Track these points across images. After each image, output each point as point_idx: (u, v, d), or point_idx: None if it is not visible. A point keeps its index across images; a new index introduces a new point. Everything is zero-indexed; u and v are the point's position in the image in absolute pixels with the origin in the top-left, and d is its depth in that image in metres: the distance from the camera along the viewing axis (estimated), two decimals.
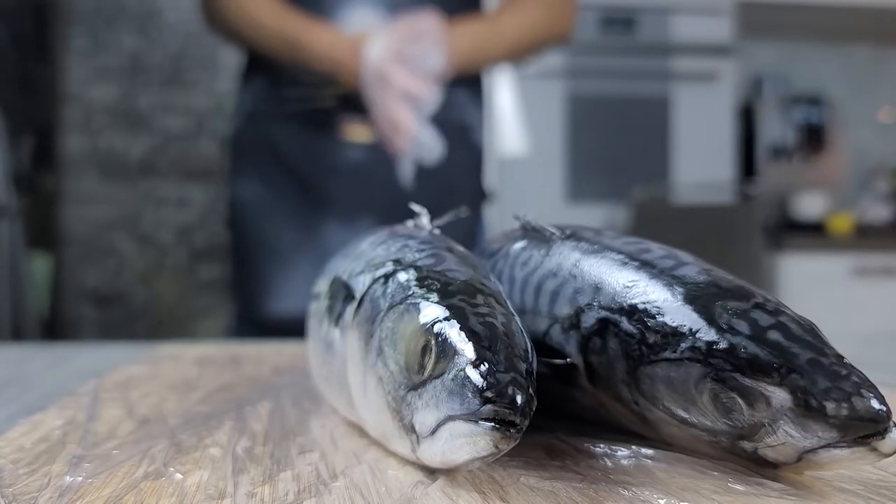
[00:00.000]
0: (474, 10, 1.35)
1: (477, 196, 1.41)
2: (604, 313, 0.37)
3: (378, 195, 1.28)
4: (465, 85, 1.33)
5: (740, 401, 0.31)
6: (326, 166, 1.29)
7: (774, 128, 3.27)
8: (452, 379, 0.31)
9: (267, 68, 1.34)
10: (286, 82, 1.32)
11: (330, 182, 1.29)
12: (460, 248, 0.42)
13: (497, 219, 2.51)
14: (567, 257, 0.41)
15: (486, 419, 0.30)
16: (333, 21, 1.27)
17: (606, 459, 0.36)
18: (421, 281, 0.36)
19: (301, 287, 1.21)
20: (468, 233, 1.34)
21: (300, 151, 1.30)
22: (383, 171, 1.25)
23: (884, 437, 0.29)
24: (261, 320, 1.29)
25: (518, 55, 1.37)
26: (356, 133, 1.28)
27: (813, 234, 3.04)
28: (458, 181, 1.35)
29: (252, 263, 1.35)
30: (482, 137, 1.42)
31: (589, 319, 0.38)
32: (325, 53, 1.21)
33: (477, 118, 1.40)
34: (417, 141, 1.18)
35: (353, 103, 1.23)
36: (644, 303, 0.35)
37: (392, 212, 1.17)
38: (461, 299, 0.34)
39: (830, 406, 0.29)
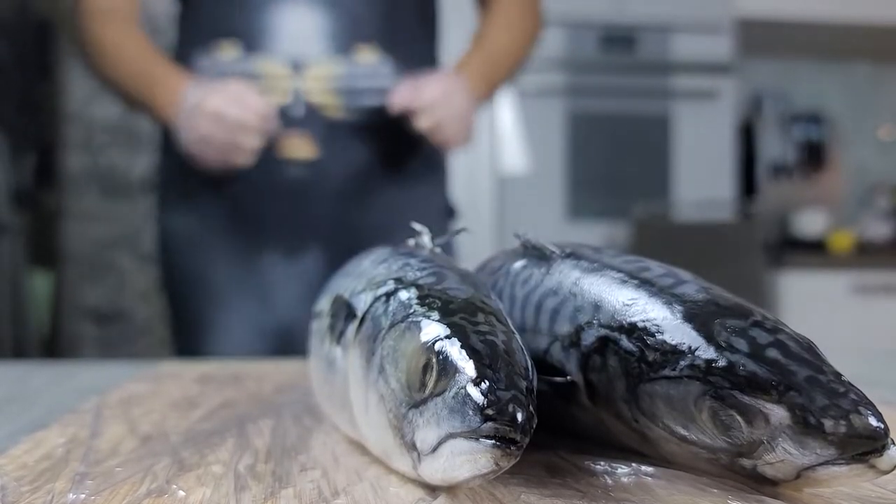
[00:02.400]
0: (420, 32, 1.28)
1: (441, 214, 1.30)
2: (604, 331, 0.37)
3: (324, 222, 1.17)
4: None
5: (739, 418, 0.32)
6: (263, 188, 1.16)
7: (775, 145, 3.27)
8: (453, 397, 0.31)
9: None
10: None
11: (267, 207, 1.17)
12: (461, 267, 0.42)
13: (497, 236, 2.52)
14: (567, 275, 0.41)
15: (487, 437, 0.30)
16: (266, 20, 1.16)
17: (607, 477, 0.36)
18: (422, 299, 0.37)
19: (241, 328, 1.17)
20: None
21: (232, 170, 1.13)
22: (329, 192, 1.16)
23: (882, 455, 0.30)
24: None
25: (518, 68, 1.32)
26: (296, 148, 1.14)
27: (813, 251, 3.05)
28: (418, 197, 1.25)
29: (185, 303, 1.24)
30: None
31: (589, 337, 0.38)
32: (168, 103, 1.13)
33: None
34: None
35: (289, 114, 1.14)
36: (643, 321, 0.36)
37: (341, 242, 1.14)
38: (462, 317, 0.35)
39: (828, 423, 0.30)
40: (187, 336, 1.23)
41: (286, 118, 1.12)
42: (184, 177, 1.20)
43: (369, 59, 1.17)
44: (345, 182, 1.17)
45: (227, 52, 1.18)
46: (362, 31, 1.17)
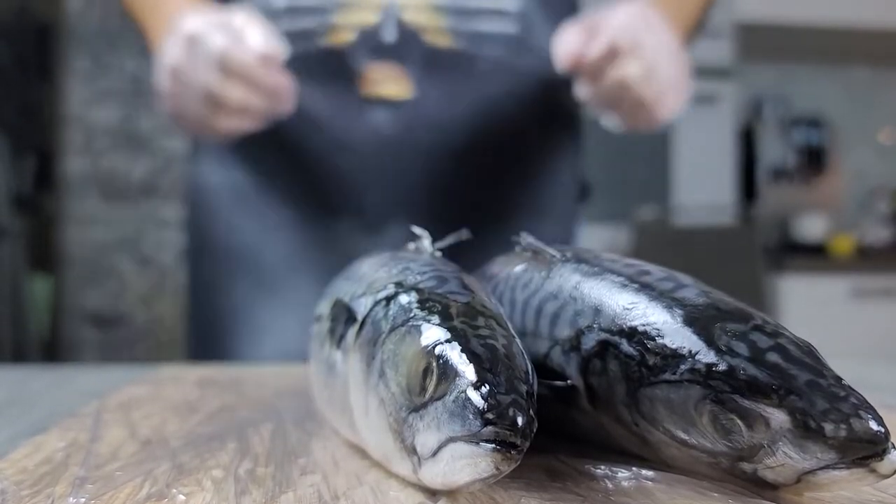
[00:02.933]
0: None
1: (570, 196, 1.01)
2: (604, 335, 0.37)
3: (418, 187, 0.89)
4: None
5: (739, 422, 0.32)
6: (336, 136, 0.88)
7: (775, 150, 3.28)
8: (454, 400, 0.31)
9: None
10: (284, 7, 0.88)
11: (343, 163, 0.88)
12: (461, 271, 0.42)
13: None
14: (567, 280, 0.41)
15: (488, 440, 0.30)
16: None
17: (607, 481, 0.36)
18: (422, 303, 0.37)
19: (298, 326, 0.81)
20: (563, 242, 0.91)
21: (298, 113, 0.84)
22: (426, 147, 0.87)
23: (882, 459, 0.30)
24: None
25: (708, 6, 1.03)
26: (383, 84, 0.87)
27: (813, 255, 3.05)
28: (545, 169, 0.97)
29: (219, 292, 0.94)
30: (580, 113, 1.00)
31: (589, 341, 0.38)
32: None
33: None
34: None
35: (377, 38, 0.85)
36: (644, 325, 0.36)
37: (440, 215, 0.86)
38: (462, 321, 0.35)
39: (829, 427, 0.30)
40: (218, 334, 0.94)
41: (372, 43, 0.86)
42: None
43: None
44: (448, 135, 0.88)
45: None
46: None
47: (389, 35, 0.86)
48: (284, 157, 0.91)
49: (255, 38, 0.77)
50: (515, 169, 0.94)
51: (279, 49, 0.79)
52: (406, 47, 0.86)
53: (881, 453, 0.30)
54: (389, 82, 0.87)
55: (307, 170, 0.91)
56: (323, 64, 0.88)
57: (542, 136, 0.96)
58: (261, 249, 0.93)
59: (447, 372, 0.32)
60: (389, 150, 0.88)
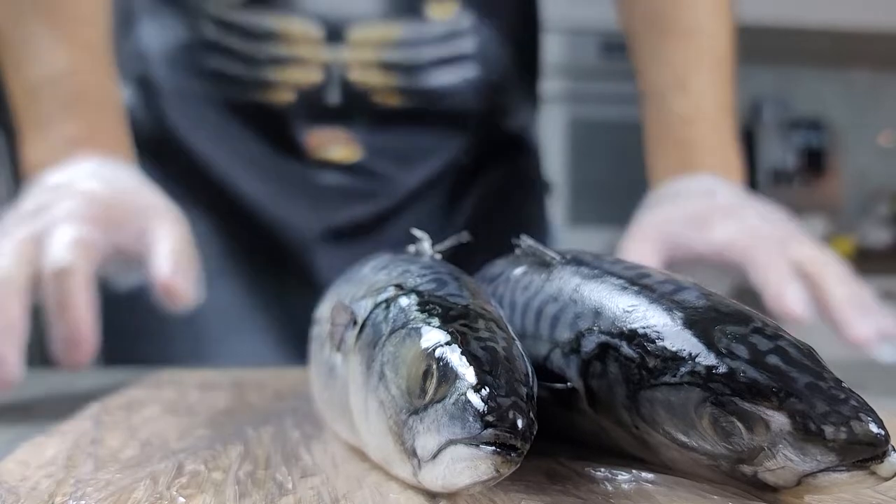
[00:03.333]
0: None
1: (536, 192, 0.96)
2: (604, 338, 0.37)
3: (369, 245, 0.79)
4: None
5: (740, 425, 0.32)
6: (282, 199, 0.81)
7: (774, 152, 3.28)
8: (454, 403, 0.31)
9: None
10: (205, 44, 0.78)
11: (291, 225, 0.82)
12: (462, 274, 0.42)
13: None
14: (567, 282, 0.41)
15: (488, 443, 0.30)
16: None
17: (607, 483, 0.36)
18: (422, 306, 0.37)
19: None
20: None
21: (239, 168, 0.79)
22: (375, 206, 0.81)
23: (882, 461, 0.30)
24: None
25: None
26: (332, 148, 0.80)
27: None
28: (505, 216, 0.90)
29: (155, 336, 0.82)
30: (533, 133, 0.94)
31: (589, 344, 0.38)
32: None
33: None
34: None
35: (321, 100, 0.78)
36: (644, 327, 0.36)
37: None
38: (462, 324, 0.35)
39: (829, 430, 0.30)
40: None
41: (315, 106, 0.79)
42: (157, 150, 0.80)
43: (443, 13, 0.79)
44: (401, 193, 0.83)
45: None
46: None
47: (334, 97, 0.79)
48: (225, 216, 0.82)
49: (59, 245, 0.57)
50: (479, 217, 0.87)
51: (84, 274, 0.57)
52: (353, 110, 0.80)
53: (881, 456, 0.30)
54: (335, 146, 0.80)
55: (250, 231, 0.82)
56: (256, 118, 0.80)
57: (496, 185, 0.89)
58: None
59: (447, 374, 0.32)
60: (338, 211, 0.82)
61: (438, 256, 0.46)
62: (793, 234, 0.70)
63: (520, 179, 0.93)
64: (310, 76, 0.77)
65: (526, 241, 0.46)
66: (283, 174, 0.81)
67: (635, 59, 0.84)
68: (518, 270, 0.45)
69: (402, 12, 0.77)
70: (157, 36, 0.80)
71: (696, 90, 0.83)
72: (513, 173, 0.91)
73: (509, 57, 0.84)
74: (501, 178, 0.90)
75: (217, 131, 0.80)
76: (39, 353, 0.63)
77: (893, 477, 0.30)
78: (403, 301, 0.38)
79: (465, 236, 0.48)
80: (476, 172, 0.86)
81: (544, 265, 0.44)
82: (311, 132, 0.80)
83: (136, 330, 0.83)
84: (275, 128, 0.80)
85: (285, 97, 0.78)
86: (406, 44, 0.78)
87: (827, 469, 0.30)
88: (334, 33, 0.76)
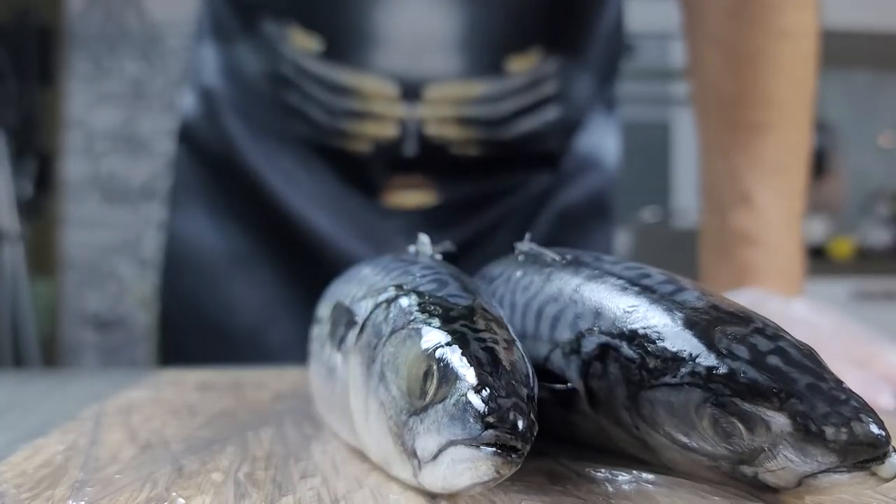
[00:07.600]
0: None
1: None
2: (604, 338, 0.37)
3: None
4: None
5: (740, 425, 0.32)
6: (354, 236, 0.79)
7: None
8: (454, 404, 0.31)
9: (252, 33, 0.78)
10: (285, 80, 0.77)
11: (357, 259, 0.67)
12: (462, 275, 0.42)
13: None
14: (568, 283, 0.41)
15: (488, 444, 0.30)
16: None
17: (608, 484, 0.36)
18: (423, 306, 0.37)
19: None
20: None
21: (306, 199, 0.78)
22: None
23: (883, 462, 0.29)
24: None
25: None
26: (407, 195, 0.79)
27: (813, 258, 3.04)
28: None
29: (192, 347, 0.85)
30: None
31: (589, 344, 0.38)
32: None
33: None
34: None
35: (397, 152, 0.76)
36: (644, 328, 0.36)
37: None
38: (463, 325, 0.35)
39: (829, 431, 0.30)
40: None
41: (392, 157, 0.77)
42: (220, 172, 0.81)
43: (525, 65, 0.76)
44: (474, 233, 0.81)
45: (302, 43, 0.75)
46: (518, 32, 0.75)
47: (410, 150, 0.77)
48: (283, 232, 0.80)
49: None
50: (548, 238, 0.82)
51: None
52: (430, 160, 0.78)
53: (882, 457, 0.29)
54: (410, 192, 0.79)
55: (313, 257, 0.80)
56: (331, 161, 0.79)
57: (569, 191, 0.87)
58: (261, 331, 0.81)
59: (448, 375, 0.32)
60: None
61: (439, 257, 0.46)
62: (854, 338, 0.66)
63: (591, 200, 0.91)
64: (386, 130, 0.76)
65: (526, 242, 0.46)
66: (354, 211, 0.80)
67: (700, 139, 0.83)
68: (518, 271, 0.45)
69: (482, 71, 0.75)
70: (235, 58, 0.80)
71: (761, 204, 0.75)
72: (585, 194, 0.89)
73: (592, 89, 0.83)
74: (574, 199, 0.88)
75: (285, 159, 0.79)
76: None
77: (894, 478, 0.30)
78: (404, 301, 0.38)
79: (448, 245, 0.47)
80: (549, 195, 0.85)
81: (544, 266, 0.44)
82: (389, 178, 0.78)
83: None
84: (350, 170, 0.79)
85: (362, 147, 0.78)
86: (486, 100, 0.76)
87: (827, 470, 0.30)
88: (410, 92, 0.75)
